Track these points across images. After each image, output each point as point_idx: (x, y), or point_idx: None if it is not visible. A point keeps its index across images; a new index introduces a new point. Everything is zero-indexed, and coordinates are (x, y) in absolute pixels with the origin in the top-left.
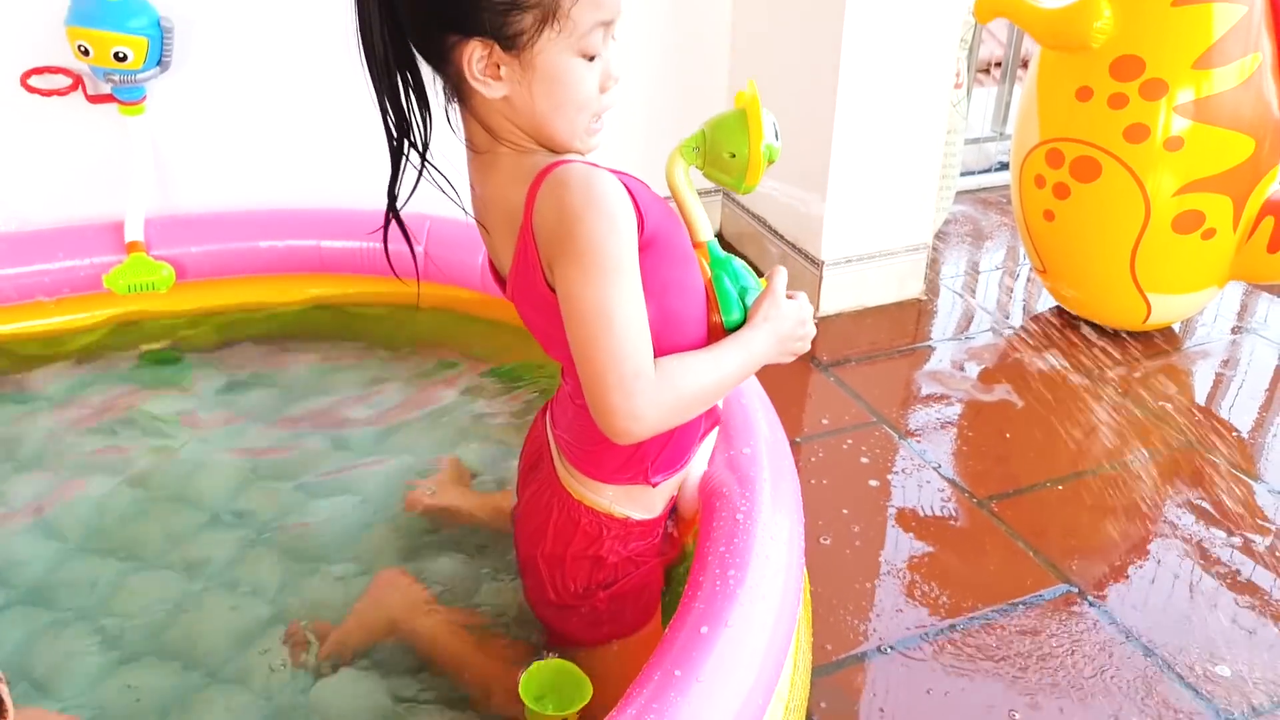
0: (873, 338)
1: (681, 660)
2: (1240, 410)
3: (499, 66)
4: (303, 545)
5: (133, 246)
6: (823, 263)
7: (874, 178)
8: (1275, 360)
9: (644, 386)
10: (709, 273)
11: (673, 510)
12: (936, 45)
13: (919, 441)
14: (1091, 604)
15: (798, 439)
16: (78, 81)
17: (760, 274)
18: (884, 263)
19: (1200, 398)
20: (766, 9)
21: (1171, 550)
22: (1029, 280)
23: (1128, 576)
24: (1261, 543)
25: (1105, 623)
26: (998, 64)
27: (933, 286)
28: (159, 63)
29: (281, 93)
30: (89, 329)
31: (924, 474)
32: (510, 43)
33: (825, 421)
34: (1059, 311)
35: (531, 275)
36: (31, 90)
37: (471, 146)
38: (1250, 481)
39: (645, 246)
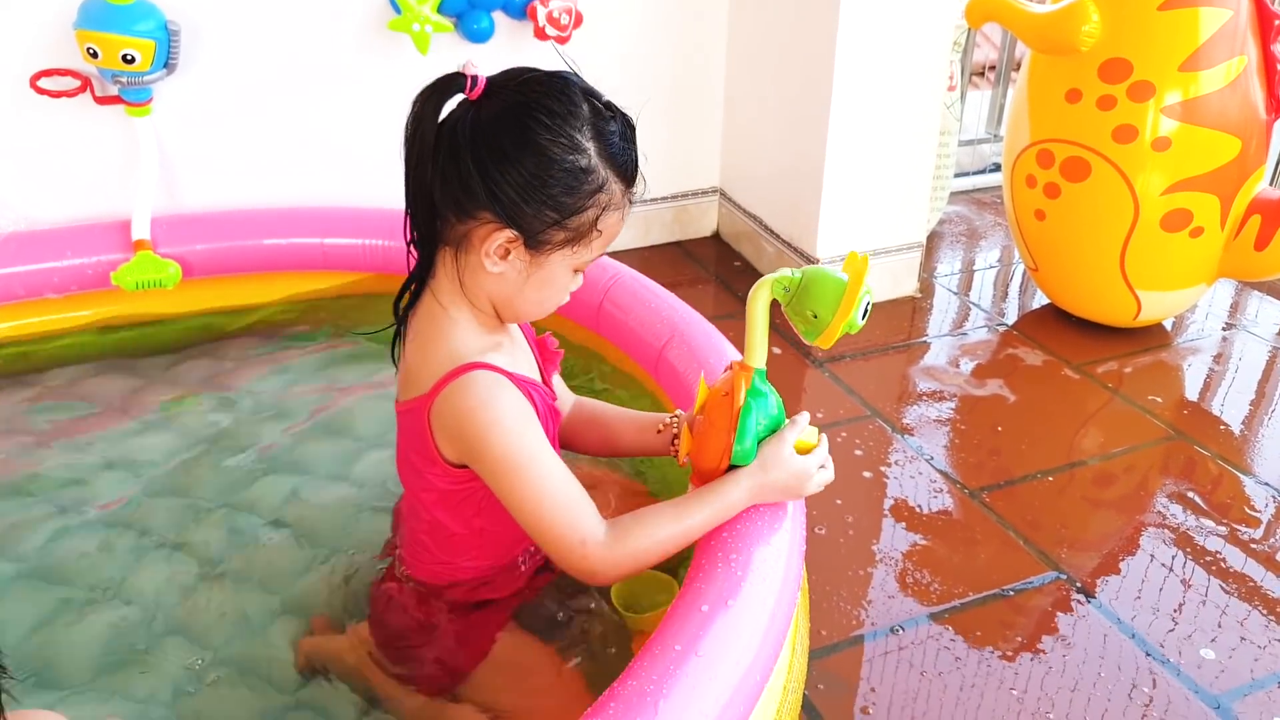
0: (868, 334)
1: (682, 636)
2: (1230, 405)
3: (510, 252)
4: (308, 533)
5: (140, 244)
6: (818, 260)
7: (868, 177)
8: (1265, 356)
9: (592, 551)
10: (741, 400)
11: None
12: (929, 47)
13: (912, 434)
14: (1081, 591)
15: None
16: (86, 83)
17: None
18: (879, 261)
19: (1191, 393)
20: (763, 10)
21: (1160, 540)
22: (1022, 279)
23: (1117, 565)
24: (1249, 533)
25: (1094, 609)
26: (992, 67)
27: (927, 285)
28: (166, 65)
29: (286, 94)
30: (97, 325)
31: (917, 466)
32: (536, 245)
33: (820, 415)
34: (1051, 309)
35: (419, 429)
36: (41, 92)
37: (432, 287)
38: (1239, 474)
39: None
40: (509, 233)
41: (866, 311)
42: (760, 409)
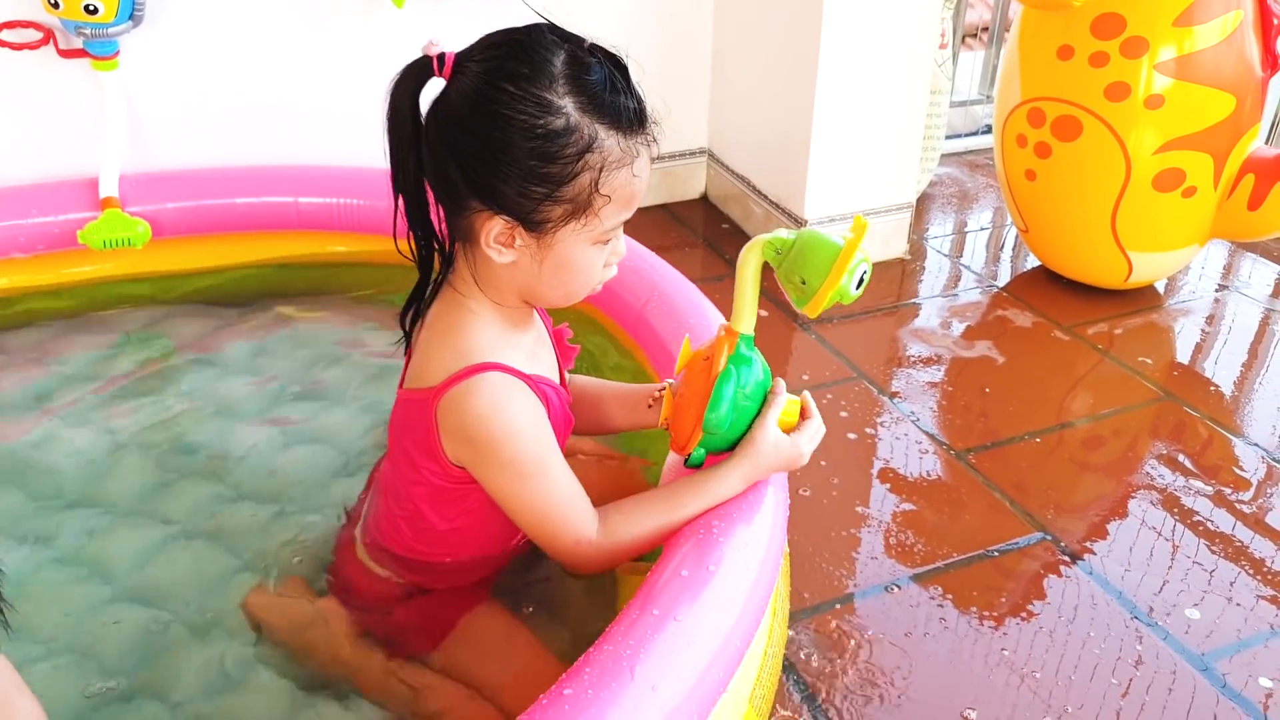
0: None
1: (660, 601)
2: (1222, 366)
3: (515, 239)
4: (278, 495)
5: (108, 202)
6: (806, 222)
7: (857, 136)
8: (1257, 318)
9: (585, 550)
10: (720, 366)
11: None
12: (920, 2)
13: (899, 396)
14: (1067, 552)
15: None
16: (49, 36)
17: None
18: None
19: (1181, 354)
20: None
21: (1148, 501)
22: (1014, 241)
23: (1104, 526)
24: (1238, 494)
25: (1081, 570)
26: (985, 29)
27: (917, 247)
28: (131, 16)
29: (258, 48)
30: (65, 285)
31: (902, 427)
32: (534, 226)
33: (805, 377)
34: (1042, 271)
35: (424, 422)
36: (1, 44)
37: (451, 278)
38: (1229, 435)
39: None
40: (502, 219)
41: (862, 282)
42: (744, 376)
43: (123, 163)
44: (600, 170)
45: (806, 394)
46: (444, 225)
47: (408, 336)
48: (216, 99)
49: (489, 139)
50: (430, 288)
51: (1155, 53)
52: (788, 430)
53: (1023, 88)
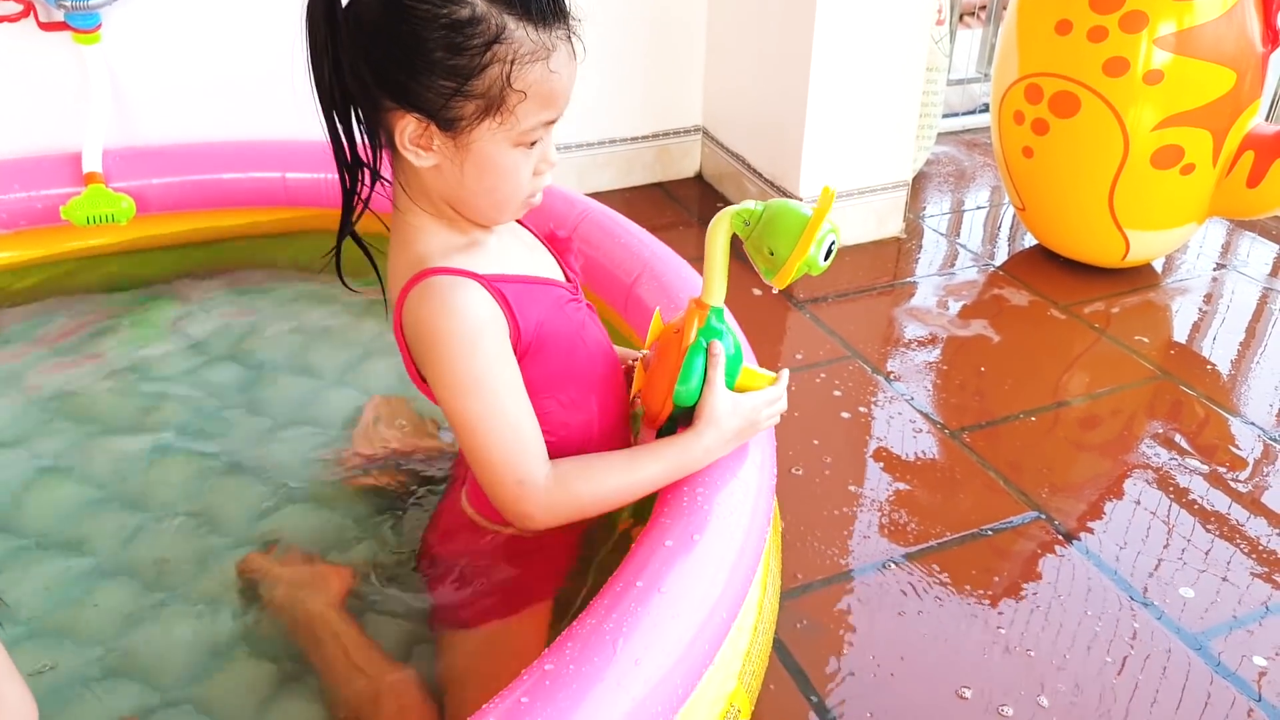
0: (851, 276)
1: (645, 572)
2: (1219, 345)
3: (432, 140)
4: (262, 472)
5: (91, 178)
6: (800, 200)
7: (852, 114)
8: (1255, 297)
9: (529, 493)
10: (691, 338)
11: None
12: None
13: (893, 375)
14: (1061, 530)
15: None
16: (29, 8)
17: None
18: (863, 200)
19: (1179, 333)
20: None
21: (1144, 480)
22: (1011, 219)
23: (1099, 505)
24: (1234, 474)
25: (1075, 548)
26: (983, 7)
27: (913, 226)
28: None
29: (243, 18)
30: (47, 262)
31: (896, 406)
32: (448, 124)
33: (799, 356)
34: (1039, 249)
35: (404, 352)
36: None
37: (394, 201)
38: (1225, 414)
39: (527, 352)
40: (413, 117)
41: (830, 253)
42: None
43: (106, 137)
44: (511, 63)
45: (785, 371)
46: (367, 141)
47: (361, 244)
48: (202, 72)
49: (396, 33)
50: (357, 214)
51: (1155, 27)
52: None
53: (1020, 63)
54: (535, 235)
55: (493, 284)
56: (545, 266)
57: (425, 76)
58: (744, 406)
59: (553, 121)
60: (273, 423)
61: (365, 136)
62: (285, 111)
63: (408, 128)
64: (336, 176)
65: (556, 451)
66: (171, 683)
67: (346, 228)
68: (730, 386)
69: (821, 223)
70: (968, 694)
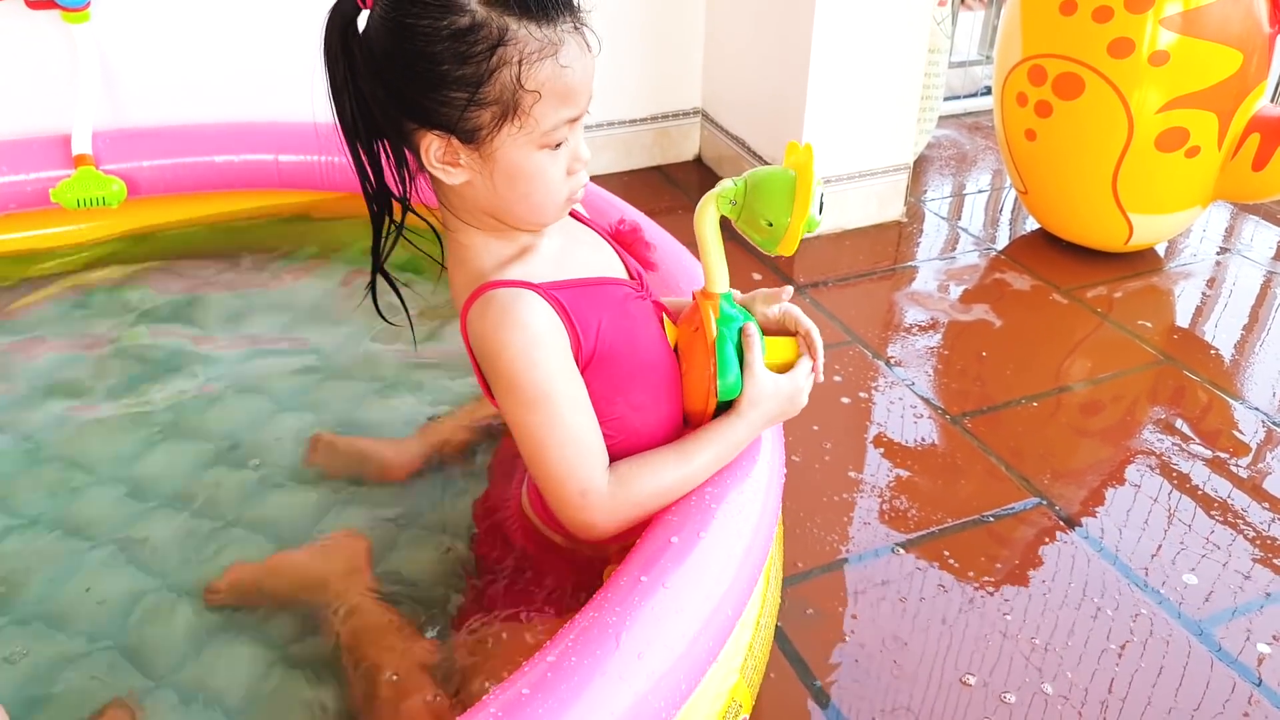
0: (851, 260)
1: (649, 567)
2: (1222, 330)
3: (458, 155)
4: (258, 460)
5: (81, 160)
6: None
7: (853, 95)
8: (1259, 281)
9: (593, 501)
10: (714, 332)
11: None
12: None
13: (894, 360)
14: (1062, 516)
15: None
16: None
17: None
18: (863, 183)
19: (1182, 318)
20: None
21: (1146, 465)
22: (1013, 203)
23: (1101, 491)
24: (1236, 459)
25: (1076, 534)
26: None
27: (914, 210)
28: None
29: None
30: (37, 245)
31: (897, 391)
32: (469, 136)
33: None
34: (1042, 233)
35: (475, 367)
36: None
37: (443, 222)
38: (1229, 399)
39: (591, 360)
40: (435, 134)
41: (822, 206)
42: (734, 335)
43: (96, 119)
44: (519, 64)
45: (814, 330)
46: (395, 170)
47: (390, 280)
48: (193, 52)
49: (404, 53)
50: (390, 239)
51: (1160, 7)
52: (786, 368)
53: (1024, 44)
54: (596, 230)
55: (549, 292)
56: (606, 264)
57: (438, 91)
58: (785, 388)
59: (575, 119)
60: (274, 408)
61: (395, 170)
62: (278, 92)
63: (431, 146)
64: (331, 159)
65: (625, 453)
66: (166, 669)
67: (378, 262)
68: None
69: (812, 177)
70: (971, 680)
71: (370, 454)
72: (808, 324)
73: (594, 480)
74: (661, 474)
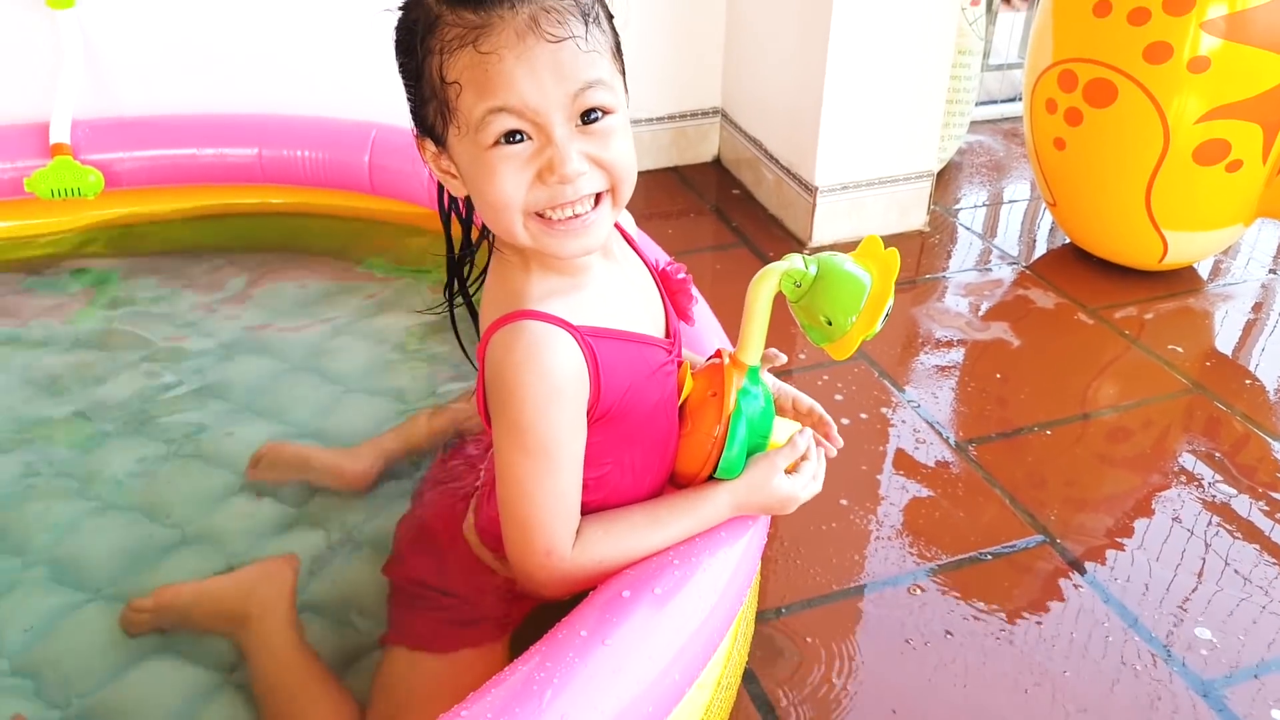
0: None
1: (590, 621)
2: (1265, 359)
3: (441, 160)
4: (211, 464)
5: (58, 149)
6: (816, 189)
7: (873, 97)
8: None
9: (555, 562)
10: (732, 405)
11: None
12: None
13: (901, 380)
14: (1068, 557)
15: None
16: None
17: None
18: (884, 190)
19: (1221, 344)
20: None
21: (1162, 504)
22: (1044, 215)
23: (1112, 530)
24: (1263, 501)
25: (1081, 578)
26: None
27: (939, 219)
28: None
29: None
30: (10, 235)
31: (901, 414)
32: (437, 139)
33: (803, 357)
34: (1073, 248)
35: (479, 384)
36: None
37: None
38: (1265, 436)
39: (604, 416)
40: (423, 139)
41: (886, 315)
42: (749, 410)
43: (76, 108)
44: (440, 53)
45: (809, 432)
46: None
47: (452, 310)
48: (178, 41)
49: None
50: (463, 255)
51: (1203, 10)
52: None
53: (1055, 48)
54: (647, 265)
55: (586, 339)
56: (653, 317)
57: (406, 89)
58: (780, 489)
59: (501, 110)
60: (235, 409)
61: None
62: (261, 84)
63: (426, 151)
64: (315, 155)
65: (599, 507)
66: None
67: (452, 283)
68: (765, 444)
69: (890, 292)
70: None
71: (323, 463)
72: (820, 411)
73: (562, 541)
74: (628, 539)
